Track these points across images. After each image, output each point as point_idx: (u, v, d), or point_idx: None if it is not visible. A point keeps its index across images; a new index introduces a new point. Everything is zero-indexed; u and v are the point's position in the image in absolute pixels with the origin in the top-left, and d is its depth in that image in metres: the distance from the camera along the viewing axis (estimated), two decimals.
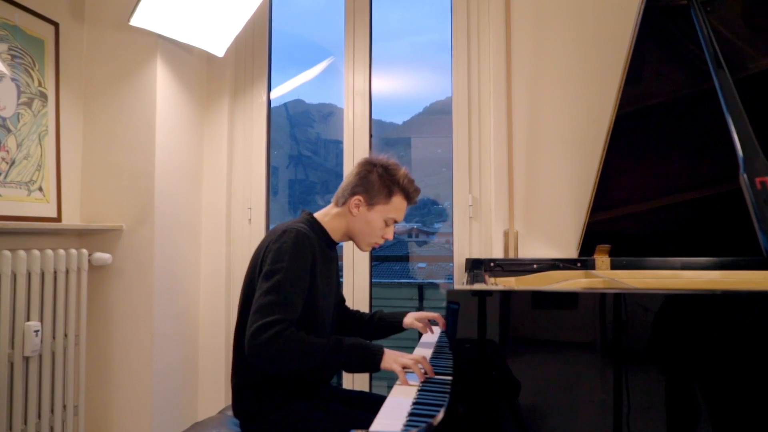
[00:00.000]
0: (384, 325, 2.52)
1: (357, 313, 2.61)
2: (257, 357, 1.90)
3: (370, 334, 2.56)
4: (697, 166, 2.39)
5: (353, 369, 1.98)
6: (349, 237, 2.33)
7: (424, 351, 2.31)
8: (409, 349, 2.39)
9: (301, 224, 2.17)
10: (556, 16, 3.17)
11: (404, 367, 1.89)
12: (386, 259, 5.20)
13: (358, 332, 2.55)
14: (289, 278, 1.98)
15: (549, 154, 3.13)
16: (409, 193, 2.30)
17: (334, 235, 2.31)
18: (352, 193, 2.26)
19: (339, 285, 2.54)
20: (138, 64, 3.24)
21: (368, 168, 2.27)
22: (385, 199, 2.25)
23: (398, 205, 2.29)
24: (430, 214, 4.77)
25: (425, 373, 1.88)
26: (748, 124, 1.48)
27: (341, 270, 3.50)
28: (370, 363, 1.93)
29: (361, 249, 2.37)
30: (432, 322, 2.54)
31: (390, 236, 2.33)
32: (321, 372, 2.01)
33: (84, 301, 3.07)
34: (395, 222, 2.32)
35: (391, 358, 1.92)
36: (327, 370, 2.01)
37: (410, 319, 2.48)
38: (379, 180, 2.24)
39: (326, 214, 2.32)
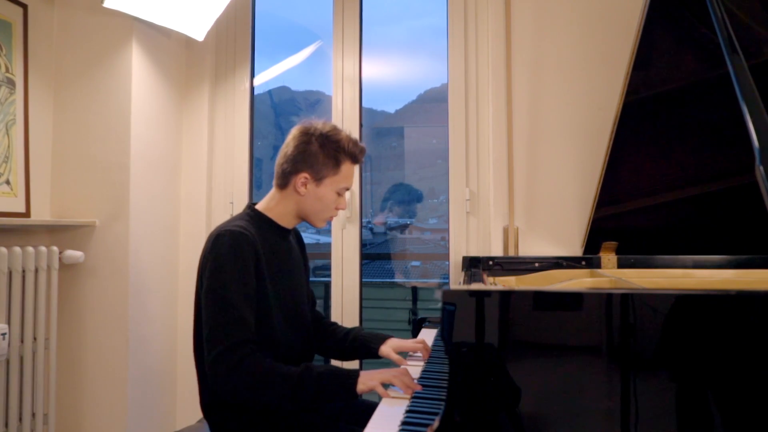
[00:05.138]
0: (358, 347, 2.37)
1: (332, 326, 2.48)
2: (220, 390, 1.85)
3: (343, 353, 2.45)
4: (710, 158, 2.39)
5: (326, 398, 1.88)
6: (301, 218, 2.24)
7: (417, 356, 2.30)
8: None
9: (237, 223, 2.07)
10: None
11: (385, 384, 1.85)
12: (378, 258, 5.19)
13: (332, 348, 2.44)
14: (233, 290, 1.91)
15: (551, 145, 3.13)
16: (356, 155, 2.19)
17: (284, 221, 2.22)
18: (295, 171, 2.14)
19: (308, 279, 2.43)
20: (112, 49, 3.21)
21: (305, 139, 2.16)
22: (334, 169, 2.14)
23: (348, 172, 2.18)
24: (424, 209, 4.77)
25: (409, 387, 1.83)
26: (764, 113, 1.47)
27: (328, 269, 3.48)
28: (344, 390, 1.85)
29: (316, 226, 2.26)
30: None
31: (344, 206, 2.24)
32: (290, 405, 1.92)
33: (54, 302, 3.05)
34: (347, 190, 2.22)
35: (368, 377, 1.85)
36: (296, 402, 1.91)
37: (387, 348, 2.29)
38: (322, 150, 2.13)
39: (270, 201, 2.23)
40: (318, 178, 2.14)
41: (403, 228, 4.79)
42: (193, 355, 2.10)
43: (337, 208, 2.22)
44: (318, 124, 2.19)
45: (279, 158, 2.20)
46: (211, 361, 1.84)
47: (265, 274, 2.04)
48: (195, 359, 2.09)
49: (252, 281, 1.98)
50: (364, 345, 2.35)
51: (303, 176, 2.14)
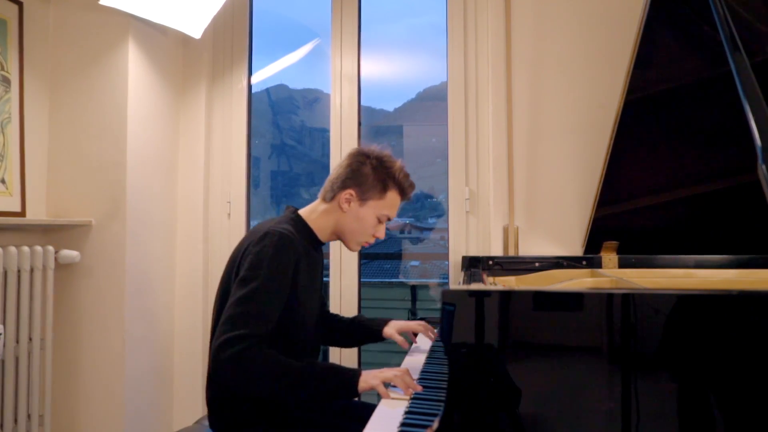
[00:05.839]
0: (362, 332, 2.48)
1: (335, 317, 2.58)
2: (221, 374, 1.87)
3: (347, 340, 2.56)
4: (712, 157, 2.39)
5: (327, 395, 1.90)
6: (338, 236, 2.30)
7: (416, 357, 2.30)
8: (399, 354, 2.38)
9: (285, 225, 2.12)
10: None
11: (386, 382, 1.86)
12: (377, 257, 5.19)
13: (336, 337, 2.55)
14: (265, 287, 1.94)
15: (552, 144, 3.13)
16: (404, 188, 2.27)
17: (321, 234, 2.27)
18: (343, 187, 2.21)
19: (322, 288, 2.50)
20: (108, 47, 3.21)
21: (361, 159, 2.23)
22: (380, 193, 2.21)
23: (392, 201, 2.25)
24: (423, 209, 4.77)
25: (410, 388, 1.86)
26: (766, 111, 1.47)
27: (327, 269, 3.48)
28: (346, 388, 1.88)
29: (350, 248, 2.33)
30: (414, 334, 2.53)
31: (381, 235, 2.30)
32: (292, 397, 1.94)
33: (50, 302, 3.05)
34: (388, 219, 2.28)
35: (370, 376, 1.88)
36: (297, 395, 1.93)
37: (390, 329, 2.41)
38: (373, 173, 2.21)
39: (313, 211, 2.27)
40: (363, 198, 2.22)
41: (402, 228, 4.79)
42: (209, 345, 2.09)
43: (374, 236, 2.29)
44: (375, 149, 2.28)
45: (332, 173, 2.29)
46: (218, 344, 1.85)
47: (300, 279, 2.08)
48: (210, 352, 2.09)
49: (287, 286, 2.02)
50: (368, 329, 2.46)
51: (349, 192, 2.21)
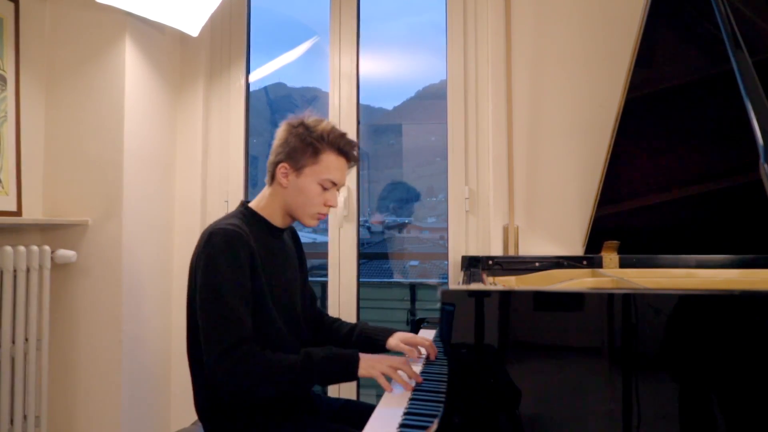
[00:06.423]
0: (364, 341, 2.35)
1: (335, 323, 2.48)
2: (223, 391, 1.88)
3: (346, 348, 2.49)
4: (714, 156, 2.38)
5: (329, 382, 1.93)
6: (290, 216, 2.20)
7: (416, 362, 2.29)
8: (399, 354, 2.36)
9: (230, 221, 2.06)
10: None
11: (384, 374, 1.87)
12: (375, 257, 5.18)
13: (335, 345, 2.47)
14: (228, 289, 1.91)
15: (552, 143, 3.12)
16: (341, 147, 2.14)
17: (275, 219, 2.19)
18: (276, 162, 2.13)
19: (305, 277, 2.42)
20: (105, 45, 3.20)
21: (287, 129, 2.14)
22: (312, 158, 2.10)
23: (331, 163, 2.13)
24: (423, 208, 4.76)
25: (411, 378, 1.86)
26: None
27: (325, 269, 3.48)
28: (346, 373, 1.90)
29: (305, 224, 2.20)
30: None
31: (333, 203, 2.18)
32: (296, 391, 1.96)
33: (46, 302, 3.04)
34: (335, 185, 2.16)
35: (369, 364, 1.89)
36: (301, 388, 1.94)
37: (396, 340, 2.29)
38: (300, 139, 2.10)
39: (261, 199, 2.21)
40: (297, 168, 2.11)
41: (401, 227, 4.79)
42: (187, 355, 2.09)
43: (325, 204, 2.16)
44: (304, 116, 2.17)
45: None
46: (211, 364, 1.85)
47: (260, 271, 2.03)
48: (189, 359, 2.09)
49: (247, 279, 1.98)
50: (369, 340, 2.35)
51: (282, 166, 2.12)
